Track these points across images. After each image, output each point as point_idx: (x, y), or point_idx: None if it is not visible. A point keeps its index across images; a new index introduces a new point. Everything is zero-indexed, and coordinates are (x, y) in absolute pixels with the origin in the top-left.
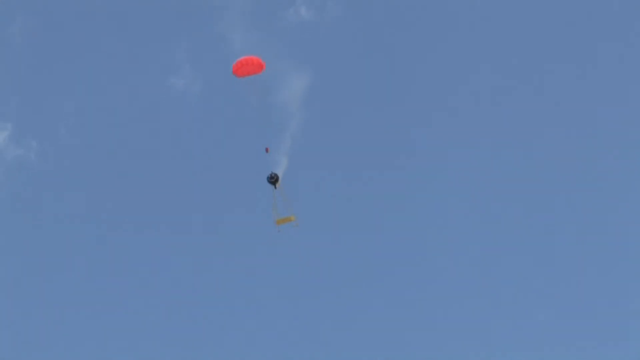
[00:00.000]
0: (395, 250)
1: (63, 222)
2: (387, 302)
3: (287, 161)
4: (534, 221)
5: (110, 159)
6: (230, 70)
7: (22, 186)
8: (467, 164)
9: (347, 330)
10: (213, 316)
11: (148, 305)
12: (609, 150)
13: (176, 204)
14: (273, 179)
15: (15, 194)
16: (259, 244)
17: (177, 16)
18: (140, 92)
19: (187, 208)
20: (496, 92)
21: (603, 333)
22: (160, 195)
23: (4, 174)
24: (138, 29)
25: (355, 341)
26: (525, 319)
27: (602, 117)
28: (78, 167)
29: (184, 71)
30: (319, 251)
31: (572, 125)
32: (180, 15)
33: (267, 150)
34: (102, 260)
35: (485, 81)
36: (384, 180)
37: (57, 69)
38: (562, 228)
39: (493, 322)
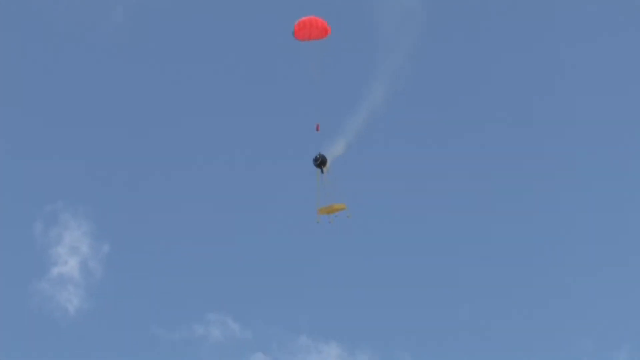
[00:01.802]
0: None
1: (193, 56)
2: None
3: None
4: None
5: None
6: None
7: (144, 24)
8: None
9: None
10: None
11: None
12: None
13: None
14: (318, 161)
15: (137, 30)
16: None
17: None
18: None
19: None
20: None
21: None
22: None
23: (125, 12)
24: None
25: None
26: None
27: None
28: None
29: None
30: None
31: None
32: None
33: (317, 127)
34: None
35: None
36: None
37: None
38: None
39: None
